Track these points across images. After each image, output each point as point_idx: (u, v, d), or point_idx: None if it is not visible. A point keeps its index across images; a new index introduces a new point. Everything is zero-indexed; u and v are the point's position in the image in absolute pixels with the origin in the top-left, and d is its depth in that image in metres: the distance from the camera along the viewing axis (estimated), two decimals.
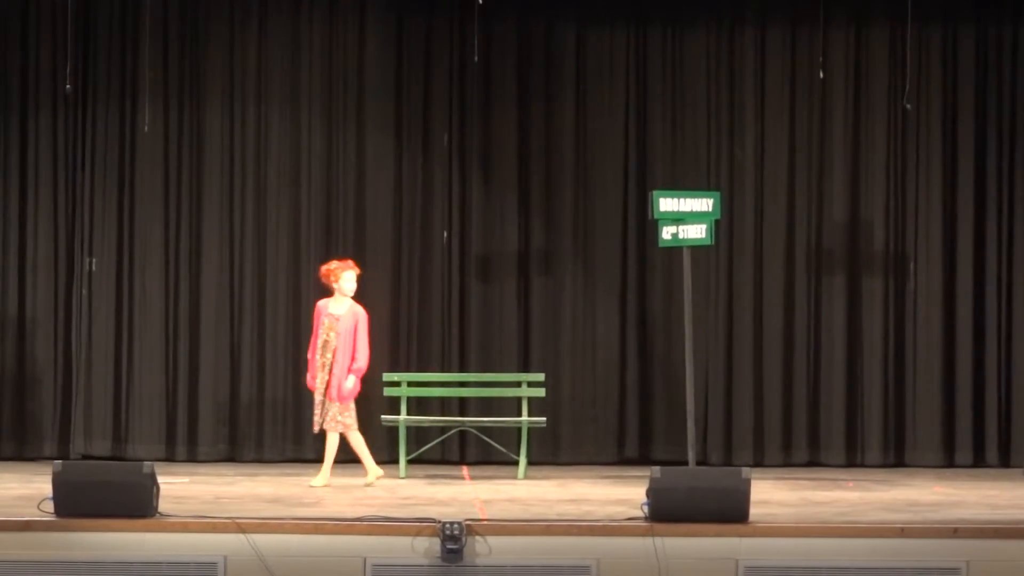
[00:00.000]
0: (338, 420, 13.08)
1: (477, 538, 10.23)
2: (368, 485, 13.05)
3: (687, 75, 15.54)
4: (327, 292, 13.25)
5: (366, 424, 14.91)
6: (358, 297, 13.20)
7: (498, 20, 14.90)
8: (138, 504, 10.45)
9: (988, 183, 15.46)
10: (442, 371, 15.10)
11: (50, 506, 10.48)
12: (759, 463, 14.79)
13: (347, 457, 14.96)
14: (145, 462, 11.29)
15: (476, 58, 14.37)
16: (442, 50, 15.38)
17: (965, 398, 15.37)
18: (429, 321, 15.44)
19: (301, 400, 15.10)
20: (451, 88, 15.43)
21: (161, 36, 15.29)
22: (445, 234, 15.42)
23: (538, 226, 15.54)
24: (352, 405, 13.15)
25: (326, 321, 13.09)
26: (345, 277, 13.14)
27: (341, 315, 13.08)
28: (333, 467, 13.17)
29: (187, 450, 15.19)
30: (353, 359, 13.05)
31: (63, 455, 14.58)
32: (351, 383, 13.03)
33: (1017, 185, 15.23)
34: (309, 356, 13.28)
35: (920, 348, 15.40)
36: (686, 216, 13.39)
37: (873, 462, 15.22)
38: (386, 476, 13.51)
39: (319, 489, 12.92)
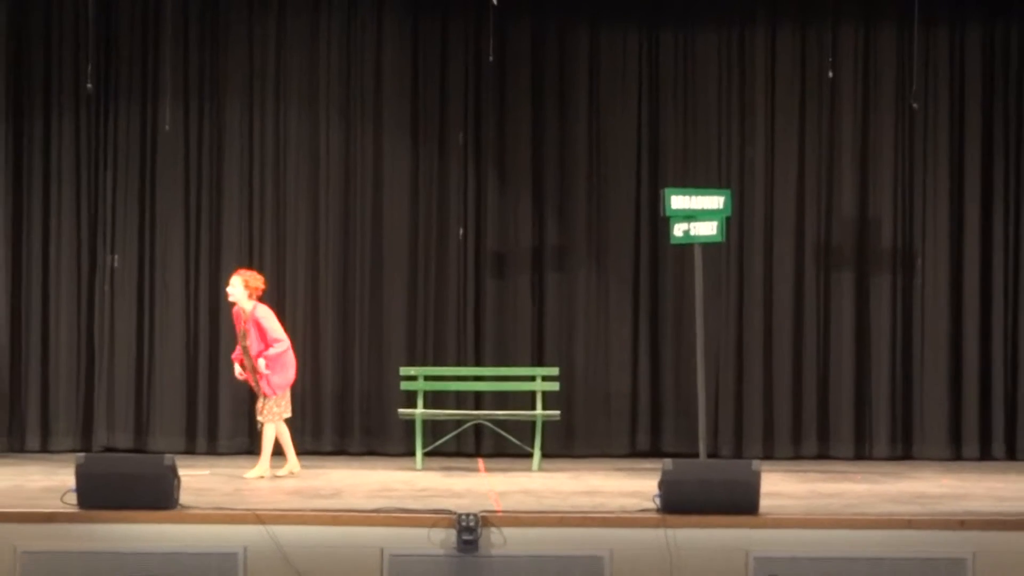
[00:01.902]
0: (273, 412, 13.20)
1: (492, 529, 10.26)
2: (277, 476, 13.21)
3: (698, 75, 15.53)
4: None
5: (385, 417, 15.04)
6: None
7: (513, 21, 14.91)
8: (159, 496, 10.49)
9: (995, 181, 15.45)
10: (458, 365, 15.11)
11: (73, 498, 10.52)
12: (769, 456, 14.79)
13: (359, 451, 15.07)
14: (166, 455, 11.33)
15: (491, 58, 14.38)
16: (457, 50, 15.40)
17: (972, 392, 15.35)
18: (445, 316, 15.45)
19: (319, 394, 15.16)
20: (466, 88, 15.44)
21: (181, 36, 15.31)
22: (461, 231, 15.42)
23: (552, 223, 15.54)
24: (286, 395, 13.33)
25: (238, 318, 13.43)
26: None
27: (245, 314, 13.26)
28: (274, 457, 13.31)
29: (207, 443, 15.21)
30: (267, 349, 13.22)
31: (86, 448, 14.63)
32: (263, 365, 13.15)
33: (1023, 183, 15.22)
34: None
35: (927, 343, 15.39)
36: (697, 214, 13.40)
37: (881, 455, 15.22)
38: (403, 468, 13.56)
39: (347, 478, 12.98)
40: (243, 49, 15.40)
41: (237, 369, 13.45)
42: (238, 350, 13.45)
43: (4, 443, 14.84)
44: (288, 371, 13.32)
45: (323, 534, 10.31)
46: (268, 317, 13.27)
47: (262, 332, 13.19)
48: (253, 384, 13.35)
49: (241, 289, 13.29)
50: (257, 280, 13.42)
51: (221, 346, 15.23)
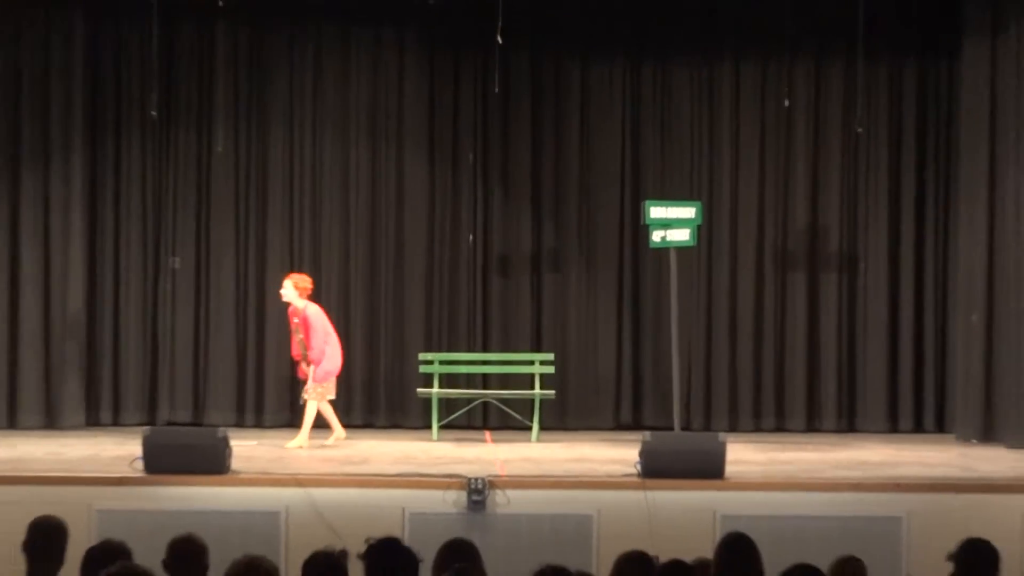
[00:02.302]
0: (317, 391, 13.19)
1: (498, 491, 10.30)
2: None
3: (673, 103, 15.52)
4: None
5: (406, 396, 15.03)
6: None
7: (515, 57, 14.89)
8: (213, 463, 10.54)
9: (926, 196, 15.43)
10: (468, 351, 15.11)
11: (140, 464, 10.57)
12: (733, 428, 14.77)
13: (384, 424, 15.07)
14: (219, 427, 11.40)
15: (496, 89, 14.37)
16: (467, 83, 15.39)
17: (906, 374, 15.35)
18: (457, 310, 15.46)
19: (350, 376, 15.10)
20: (475, 114, 15.44)
21: (232, 71, 15.32)
22: (470, 236, 15.42)
23: (548, 230, 15.54)
24: (331, 380, 13.37)
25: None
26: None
27: (297, 312, 13.28)
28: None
29: (255, 417, 15.21)
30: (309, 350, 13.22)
31: (151, 422, 14.63)
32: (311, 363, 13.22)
33: (951, 196, 15.19)
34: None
35: (868, 333, 15.38)
36: (673, 222, 13.40)
37: (829, 428, 15.21)
38: (421, 439, 13.59)
39: (348, 444, 13.05)
40: (284, 81, 15.40)
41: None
42: (295, 344, 13.42)
43: (82, 418, 14.84)
44: (333, 361, 13.27)
45: (353, 495, 10.34)
46: (317, 316, 13.24)
47: (307, 330, 13.17)
48: (304, 371, 13.32)
49: (292, 290, 13.28)
50: (305, 281, 13.41)
51: (266, 334, 15.25)
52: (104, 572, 4.83)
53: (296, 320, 13.29)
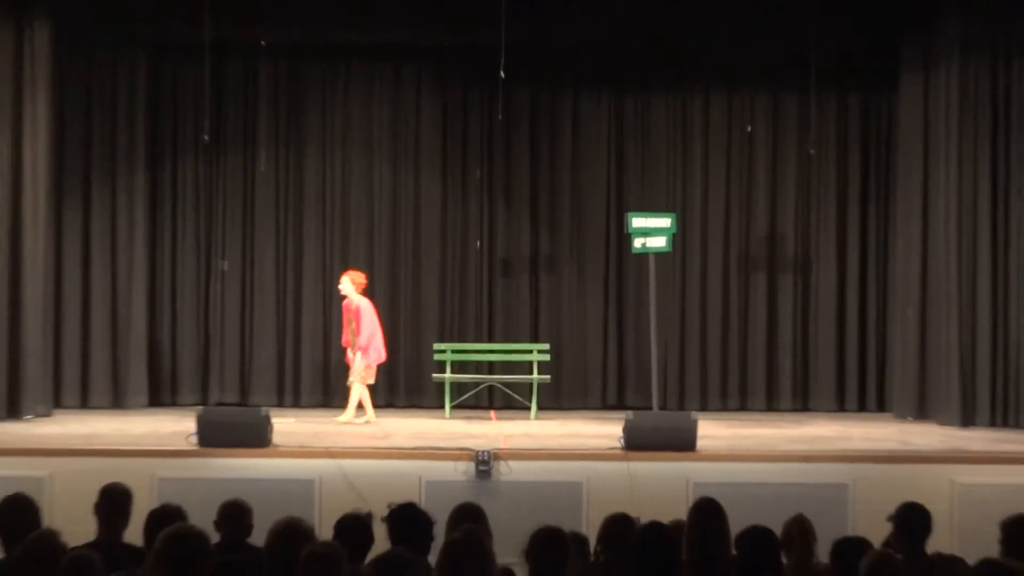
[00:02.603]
0: (362, 375, 13.13)
1: (501, 462, 10.30)
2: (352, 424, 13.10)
3: (652, 128, 15.52)
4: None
5: (422, 380, 15.02)
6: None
7: (516, 90, 14.87)
8: (257, 438, 10.54)
9: (869, 207, 15.43)
10: (476, 342, 15.11)
11: (194, 439, 10.57)
12: (703, 408, 14.78)
13: (403, 405, 15.03)
14: (262, 407, 11.39)
15: (500, 116, 14.38)
16: (475, 112, 15.39)
17: (852, 361, 15.34)
18: (467, 306, 15.46)
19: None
20: (482, 138, 15.44)
21: (273, 100, 15.32)
22: (478, 243, 15.41)
23: (544, 237, 15.54)
24: (374, 368, 13.28)
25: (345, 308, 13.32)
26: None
27: (352, 306, 13.18)
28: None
29: (293, 398, 15.22)
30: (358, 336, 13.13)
31: (204, 402, 14.62)
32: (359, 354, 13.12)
33: (890, 208, 15.18)
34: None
35: (820, 325, 15.39)
36: (651, 231, 13.40)
37: (786, 408, 15.20)
38: (435, 418, 13.60)
39: (376, 425, 12.96)
40: (318, 110, 15.40)
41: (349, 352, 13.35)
42: (346, 334, 13.31)
43: (145, 399, 14.84)
44: (377, 351, 13.18)
45: (377, 466, 10.33)
46: (367, 310, 13.17)
47: (358, 321, 13.10)
48: (351, 358, 13.24)
49: (349, 285, 13.22)
50: (360, 277, 13.37)
51: (302, 327, 15.25)
52: (163, 532, 4.83)
53: (350, 311, 13.21)
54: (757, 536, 5.76)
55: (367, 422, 13.19)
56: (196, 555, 4.74)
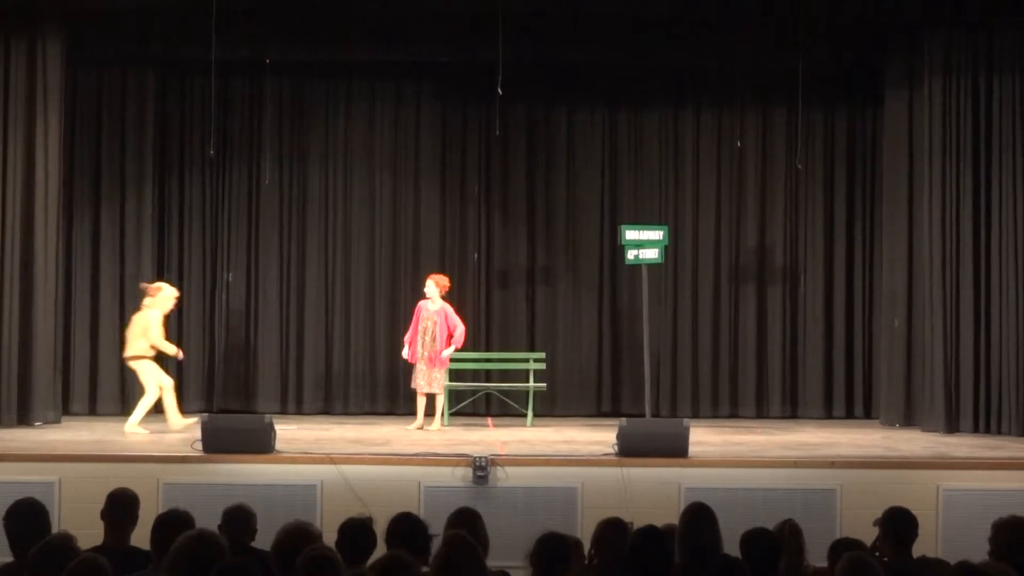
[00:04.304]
0: (442, 384, 13.04)
1: (498, 468, 10.27)
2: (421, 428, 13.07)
3: (644, 143, 15.53)
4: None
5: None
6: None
7: (513, 107, 14.88)
8: (261, 444, 10.50)
9: (855, 220, 15.44)
10: (474, 351, 15.08)
11: (199, 445, 10.54)
12: (695, 415, 14.72)
13: (403, 412, 15.00)
14: (266, 414, 11.35)
15: (498, 132, 14.38)
16: (473, 127, 15.39)
17: (840, 370, 15.34)
18: (465, 315, 15.33)
19: (375, 371, 15.14)
20: (480, 153, 15.44)
21: (277, 115, 15.33)
22: (476, 255, 15.42)
23: (541, 249, 15.53)
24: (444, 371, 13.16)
25: (424, 315, 13.10)
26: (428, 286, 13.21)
27: (434, 311, 13.05)
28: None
29: (295, 405, 15.19)
30: (450, 336, 12.99)
31: (208, 409, 14.61)
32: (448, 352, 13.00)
33: (876, 221, 15.19)
34: (408, 339, 13.17)
35: (808, 335, 15.38)
36: (644, 243, 13.40)
37: (775, 415, 15.19)
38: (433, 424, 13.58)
39: (395, 432, 12.87)
40: (321, 125, 15.41)
41: (405, 351, 13.14)
42: (416, 340, 13.06)
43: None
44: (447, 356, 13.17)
45: (377, 471, 10.31)
46: (452, 311, 13.16)
47: (448, 320, 13.00)
48: (416, 360, 13.03)
49: (434, 288, 13.16)
50: (444, 280, 13.31)
51: (305, 336, 15.23)
52: (183, 535, 4.86)
53: (431, 316, 12.99)
54: (762, 538, 5.78)
55: (415, 428, 13.06)
56: (213, 558, 4.78)
